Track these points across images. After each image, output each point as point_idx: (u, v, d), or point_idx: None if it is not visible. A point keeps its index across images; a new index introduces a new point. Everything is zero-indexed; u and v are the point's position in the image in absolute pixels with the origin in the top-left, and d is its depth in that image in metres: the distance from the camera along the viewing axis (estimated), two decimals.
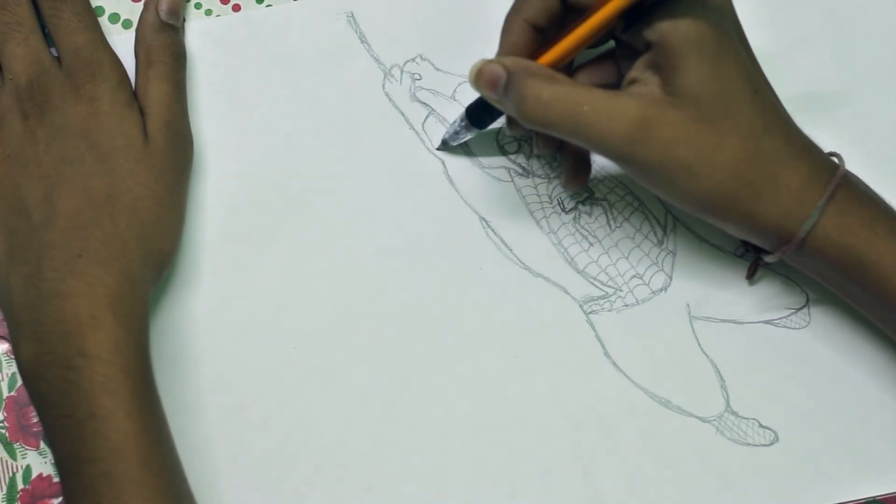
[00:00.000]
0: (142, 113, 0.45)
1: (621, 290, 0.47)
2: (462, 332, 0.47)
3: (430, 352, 0.46)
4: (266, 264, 0.47)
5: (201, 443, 0.45)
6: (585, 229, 0.48)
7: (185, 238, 0.47)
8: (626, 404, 0.46)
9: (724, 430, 0.46)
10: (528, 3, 0.43)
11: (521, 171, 0.48)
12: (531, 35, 0.43)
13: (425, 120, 0.49)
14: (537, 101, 0.40)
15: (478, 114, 0.45)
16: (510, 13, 0.44)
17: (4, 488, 0.45)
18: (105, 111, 0.44)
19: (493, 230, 0.48)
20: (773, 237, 0.42)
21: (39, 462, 0.45)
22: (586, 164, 0.47)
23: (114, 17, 0.49)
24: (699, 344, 0.47)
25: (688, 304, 0.47)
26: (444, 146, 0.48)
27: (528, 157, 0.48)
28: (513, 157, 0.48)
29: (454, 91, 0.49)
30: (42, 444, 0.45)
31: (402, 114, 0.49)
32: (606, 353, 0.46)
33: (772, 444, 0.46)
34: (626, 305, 0.47)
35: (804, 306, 0.47)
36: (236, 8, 0.50)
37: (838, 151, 0.43)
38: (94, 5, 0.48)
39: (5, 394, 0.46)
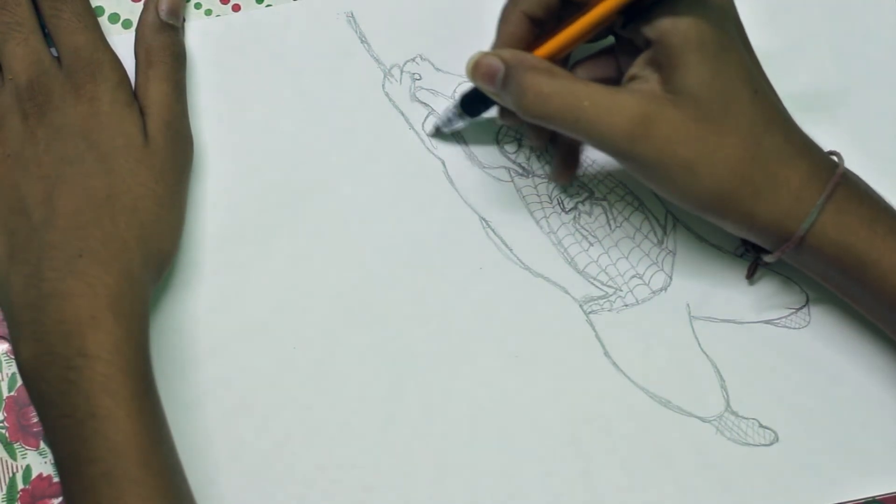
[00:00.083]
0: (142, 113, 0.45)
1: (621, 290, 0.47)
2: (462, 332, 0.47)
3: (430, 352, 0.46)
4: (266, 264, 0.47)
5: (201, 443, 0.45)
6: (585, 229, 0.48)
7: (185, 238, 0.47)
8: (626, 404, 0.46)
9: (724, 430, 0.46)
10: None
11: (521, 171, 0.48)
12: (528, 27, 0.43)
13: (425, 120, 0.49)
14: (538, 94, 0.40)
15: (471, 103, 0.45)
16: (508, 4, 0.43)
17: (4, 488, 0.45)
18: (105, 111, 0.44)
19: (493, 230, 0.48)
20: (772, 236, 0.42)
21: (39, 462, 0.45)
22: (576, 159, 0.47)
23: (114, 17, 0.49)
24: (699, 344, 0.47)
25: (688, 304, 0.47)
26: (437, 133, 0.48)
27: (528, 157, 0.48)
28: (513, 156, 0.48)
29: (454, 91, 0.49)
30: (42, 444, 0.45)
31: (402, 114, 0.49)
32: (606, 353, 0.46)
33: (772, 444, 0.46)
34: (626, 305, 0.47)
35: (804, 306, 0.47)
36: (236, 8, 0.50)
37: (838, 151, 0.43)
38: (94, 5, 0.48)
39: (5, 394, 0.46)
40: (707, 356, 0.46)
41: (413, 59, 0.49)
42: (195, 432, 0.45)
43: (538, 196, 0.48)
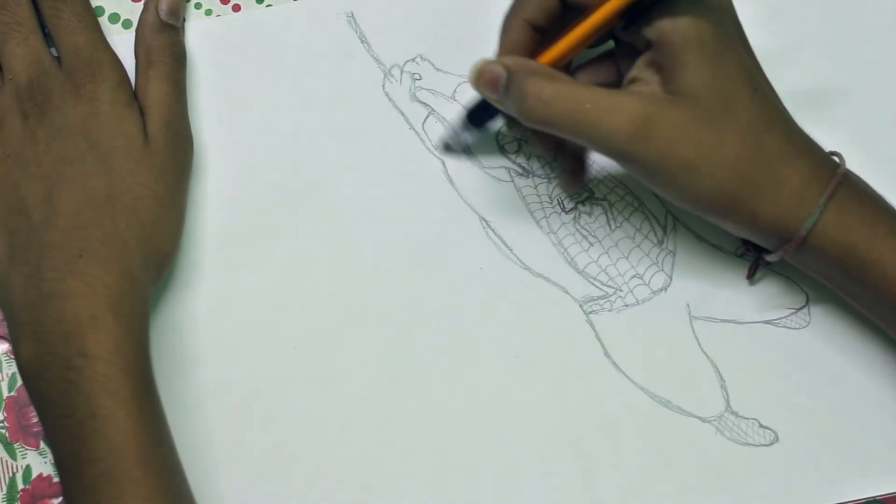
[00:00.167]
0: (142, 113, 0.45)
1: (621, 290, 0.47)
2: (462, 332, 0.47)
3: (430, 352, 0.46)
4: (266, 264, 0.47)
5: (201, 443, 0.45)
6: (585, 229, 0.48)
7: (185, 238, 0.47)
8: (626, 404, 0.46)
9: (724, 430, 0.46)
10: (527, 3, 0.43)
11: (521, 171, 0.48)
12: (530, 34, 0.43)
13: (425, 120, 0.49)
14: (538, 98, 0.40)
15: (477, 114, 0.45)
16: (509, 13, 0.44)
17: (4, 488, 0.45)
18: (105, 111, 0.44)
19: (493, 230, 0.48)
20: (773, 236, 0.42)
21: (39, 462, 0.45)
22: (584, 166, 0.47)
23: (114, 17, 0.49)
24: (699, 344, 0.47)
25: (688, 304, 0.47)
26: (447, 149, 0.48)
27: (528, 157, 0.48)
28: (513, 156, 0.48)
29: (454, 91, 0.49)
30: (42, 444, 0.45)
31: (402, 114, 0.49)
32: (606, 353, 0.46)
33: (772, 444, 0.46)
34: (626, 305, 0.47)
35: (804, 306, 0.47)
36: (236, 8, 0.50)
37: (838, 151, 0.43)
38: (94, 5, 0.48)
39: (5, 394, 0.46)
40: (707, 356, 0.46)
41: (413, 59, 0.49)
42: (195, 432, 0.45)
43: (538, 196, 0.48)
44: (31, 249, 0.42)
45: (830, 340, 0.46)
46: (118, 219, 0.43)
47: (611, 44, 0.45)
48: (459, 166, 0.48)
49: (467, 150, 0.48)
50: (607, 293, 0.47)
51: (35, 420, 0.45)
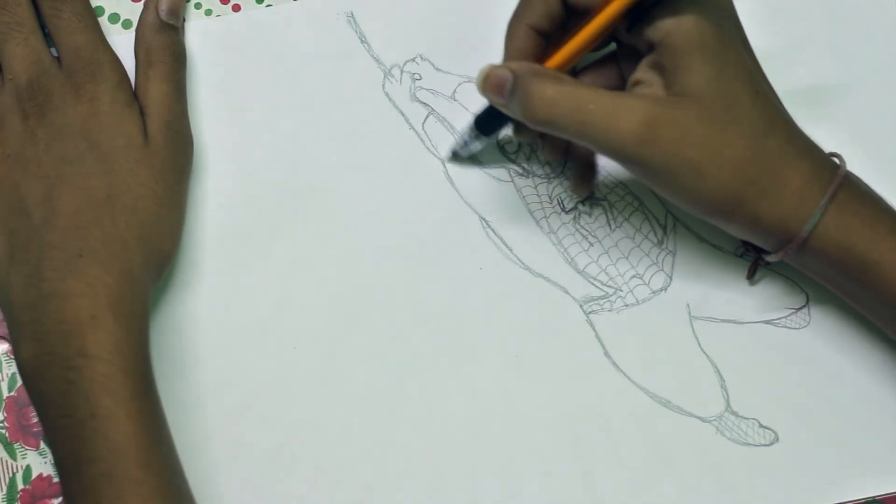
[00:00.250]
0: (142, 113, 0.45)
1: (621, 290, 0.47)
2: (462, 332, 0.47)
3: (430, 352, 0.46)
4: (266, 264, 0.47)
5: (201, 443, 0.45)
6: (585, 229, 0.48)
7: (185, 238, 0.47)
8: (626, 404, 0.46)
9: (724, 430, 0.46)
10: (530, 8, 0.43)
11: (521, 171, 0.48)
12: (535, 40, 0.43)
13: (425, 120, 0.49)
14: (542, 99, 0.40)
15: (485, 122, 0.45)
16: (513, 19, 0.44)
17: (4, 488, 0.45)
18: (105, 111, 0.44)
19: (493, 230, 0.48)
20: (774, 237, 0.42)
21: (39, 462, 0.45)
22: (593, 170, 0.47)
23: (114, 17, 0.49)
24: (699, 344, 0.47)
25: (688, 304, 0.47)
26: (455, 158, 0.48)
27: (528, 158, 0.48)
28: (513, 156, 0.48)
29: (454, 91, 0.49)
30: (42, 444, 0.45)
31: (402, 114, 0.49)
32: (606, 353, 0.46)
33: (772, 444, 0.46)
34: (626, 305, 0.47)
35: (804, 306, 0.47)
36: (236, 8, 0.50)
37: (838, 152, 0.43)
38: (94, 5, 0.48)
39: (5, 394, 0.46)
40: (707, 356, 0.46)
41: (413, 59, 0.49)
42: (195, 432, 0.45)
43: (538, 196, 0.48)
44: (31, 249, 0.42)
45: (830, 340, 0.46)
46: (118, 219, 0.43)
47: (613, 46, 0.45)
48: (459, 166, 0.48)
49: (474, 158, 0.48)
50: (607, 293, 0.47)
51: (35, 420, 0.45)
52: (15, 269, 0.42)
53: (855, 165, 0.42)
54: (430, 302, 0.47)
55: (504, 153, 0.48)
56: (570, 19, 0.43)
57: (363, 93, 0.49)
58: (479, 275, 0.47)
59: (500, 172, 0.48)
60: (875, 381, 0.46)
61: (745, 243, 0.46)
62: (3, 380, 0.46)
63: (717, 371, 0.46)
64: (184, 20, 0.48)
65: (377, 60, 0.49)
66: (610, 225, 0.48)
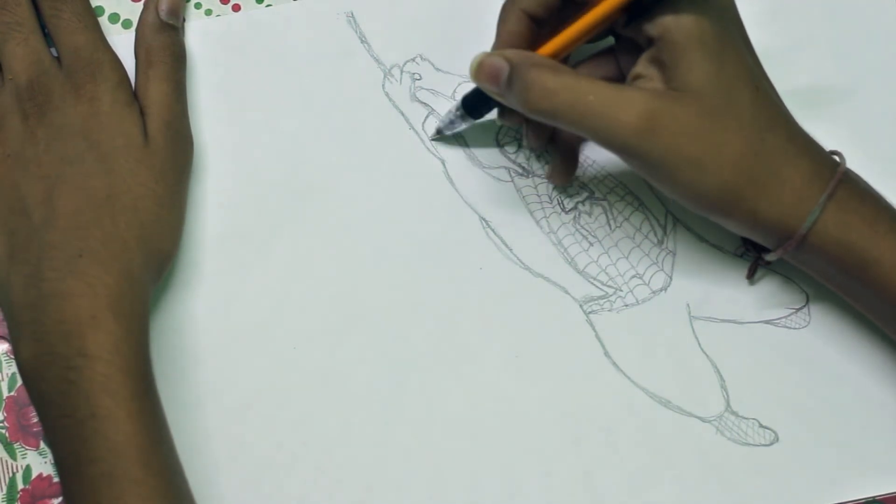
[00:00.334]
0: (142, 113, 0.45)
1: (621, 290, 0.47)
2: (462, 332, 0.47)
3: (431, 352, 0.46)
4: (266, 264, 0.47)
5: (201, 443, 0.45)
6: (585, 229, 0.48)
7: (185, 238, 0.47)
8: (626, 404, 0.46)
9: (724, 430, 0.46)
10: None
11: (521, 171, 0.48)
12: (528, 25, 0.43)
13: (425, 120, 0.49)
14: (543, 89, 0.39)
15: (473, 104, 0.45)
16: (506, 3, 0.43)
17: (4, 488, 0.45)
18: (105, 111, 0.44)
19: (493, 230, 0.48)
20: (774, 234, 0.42)
21: (39, 462, 0.45)
22: (574, 160, 0.47)
23: (114, 17, 0.49)
24: (699, 344, 0.47)
25: (688, 304, 0.47)
26: (439, 135, 0.48)
27: (528, 157, 0.48)
28: (513, 156, 0.48)
29: (454, 91, 0.49)
30: (42, 444, 0.45)
31: (402, 114, 0.49)
32: (606, 353, 0.46)
33: (772, 444, 0.46)
34: (626, 305, 0.47)
35: (804, 306, 0.47)
36: (236, 8, 0.50)
37: (838, 150, 0.43)
38: (94, 5, 0.48)
39: (5, 394, 0.46)
40: (707, 356, 0.46)
41: (413, 59, 0.49)
42: (195, 432, 0.45)
43: (538, 196, 0.48)
44: (31, 249, 0.42)
45: (830, 340, 0.46)
46: (118, 219, 0.43)
47: (610, 40, 0.45)
48: (459, 166, 0.48)
49: (459, 138, 0.48)
50: (607, 293, 0.47)
51: (35, 420, 0.45)
52: (15, 269, 0.42)
53: (855, 165, 0.42)
54: (430, 302, 0.47)
55: (504, 153, 0.48)
56: (565, 8, 0.43)
57: (363, 93, 0.49)
58: (479, 275, 0.47)
59: (500, 172, 0.48)
60: (875, 381, 0.46)
61: (746, 242, 0.46)
62: (3, 380, 0.46)
63: (717, 371, 0.46)
64: (184, 20, 0.48)
65: (377, 60, 0.49)
66: (610, 225, 0.48)
